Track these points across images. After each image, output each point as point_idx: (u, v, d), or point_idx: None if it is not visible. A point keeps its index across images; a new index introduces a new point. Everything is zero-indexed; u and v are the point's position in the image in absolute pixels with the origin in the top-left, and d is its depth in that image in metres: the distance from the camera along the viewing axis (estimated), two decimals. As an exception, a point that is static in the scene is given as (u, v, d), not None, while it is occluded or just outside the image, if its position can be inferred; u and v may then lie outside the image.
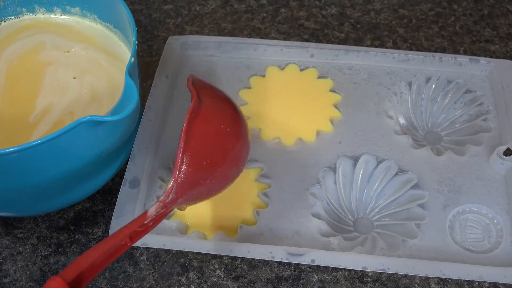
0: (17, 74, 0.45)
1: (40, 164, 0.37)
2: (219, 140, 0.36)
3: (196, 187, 0.35)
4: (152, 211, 0.34)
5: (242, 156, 0.38)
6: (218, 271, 0.42)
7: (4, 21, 0.48)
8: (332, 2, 0.60)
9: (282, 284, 0.41)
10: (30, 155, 0.35)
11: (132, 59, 0.38)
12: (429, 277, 0.41)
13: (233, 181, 0.38)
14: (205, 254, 0.42)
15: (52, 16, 0.48)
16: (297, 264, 0.42)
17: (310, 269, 0.42)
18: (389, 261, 0.39)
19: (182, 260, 0.42)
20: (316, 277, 0.41)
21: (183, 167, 0.34)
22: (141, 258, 0.42)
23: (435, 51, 0.55)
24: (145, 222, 0.33)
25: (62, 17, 0.48)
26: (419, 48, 0.56)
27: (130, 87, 0.35)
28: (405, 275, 0.41)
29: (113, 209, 0.41)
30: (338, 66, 0.51)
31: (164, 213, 0.34)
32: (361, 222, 0.43)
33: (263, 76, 0.51)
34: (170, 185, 0.34)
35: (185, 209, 0.37)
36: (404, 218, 0.42)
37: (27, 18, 0.48)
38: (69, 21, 0.48)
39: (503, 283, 0.41)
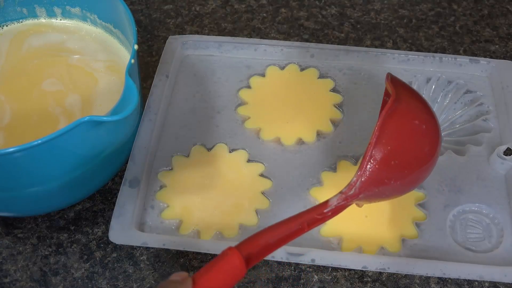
0: (18, 76, 0.45)
1: (40, 164, 0.37)
2: (412, 142, 0.35)
3: (380, 186, 0.35)
4: (333, 201, 0.34)
5: (432, 162, 0.37)
6: (218, 271, 0.42)
7: (6, 26, 0.48)
8: (332, 2, 0.60)
9: (282, 284, 0.41)
10: (30, 155, 0.35)
11: (132, 60, 0.38)
12: (429, 277, 0.41)
13: (418, 185, 0.38)
14: (205, 254, 0.42)
15: (53, 20, 0.48)
16: (297, 264, 0.42)
17: (310, 269, 0.41)
18: (389, 260, 0.39)
19: (182, 260, 0.42)
20: (316, 277, 0.41)
21: (370, 163, 0.34)
22: (141, 258, 0.42)
23: (435, 51, 0.55)
24: (325, 211, 0.34)
25: (63, 21, 0.48)
26: (419, 48, 0.56)
27: (130, 87, 0.35)
28: (405, 275, 0.41)
29: (113, 209, 0.41)
30: (339, 66, 0.51)
31: (344, 206, 0.34)
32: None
33: (263, 76, 0.51)
34: (354, 179, 0.34)
35: (362, 205, 0.37)
36: None
37: (29, 22, 0.48)
38: (70, 24, 0.48)
39: (503, 283, 0.41)
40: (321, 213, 0.34)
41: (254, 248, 0.32)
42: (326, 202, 0.34)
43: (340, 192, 0.34)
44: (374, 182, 0.34)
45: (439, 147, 0.36)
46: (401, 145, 0.35)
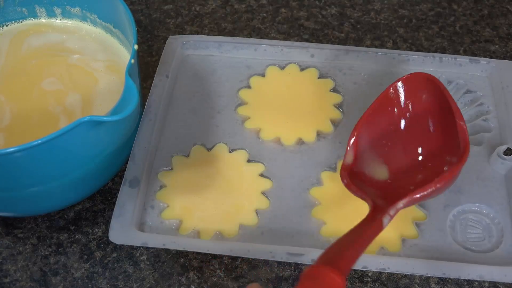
0: (18, 76, 0.45)
1: (40, 164, 0.37)
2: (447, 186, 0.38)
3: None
4: (385, 223, 0.36)
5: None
6: (218, 271, 0.42)
7: (6, 26, 0.48)
8: (332, 2, 0.60)
9: (282, 284, 0.41)
10: (30, 155, 0.35)
11: (132, 60, 0.38)
12: (429, 277, 0.41)
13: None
14: (205, 254, 0.42)
15: (53, 20, 0.48)
16: (297, 264, 0.42)
17: (310, 269, 0.41)
18: (389, 260, 0.39)
19: (182, 260, 0.42)
20: (316, 277, 0.41)
21: (422, 199, 0.37)
22: (141, 258, 0.42)
23: (435, 51, 0.55)
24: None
25: (63, 21, 0.48)
26: (419, 48, 0.56)
27: (130, 87, 0.35)
28: (405, 275, 0.41)
29: (113, 209, 0.41)
30: (339, 66, 0.51)
31: None
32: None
33: (263, 76, 0.51)
34: (401, 205, 0.36)
35: None
36: None
37: (29, 22, 0.48)
38: (70, 24, 0.48)
39: (503, 283, 0.41)
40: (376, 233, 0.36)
41: (346, 266, 0.32)
42: (381, 223, 0.35)
43: (389, 215, 0.36)
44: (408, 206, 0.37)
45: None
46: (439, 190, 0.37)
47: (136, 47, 0.39)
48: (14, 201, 0.41)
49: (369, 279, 0.41)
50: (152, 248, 0.42)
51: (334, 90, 0.49)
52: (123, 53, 0.46)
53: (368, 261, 0.39)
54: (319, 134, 0.47)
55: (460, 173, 0.38)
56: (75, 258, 0.42)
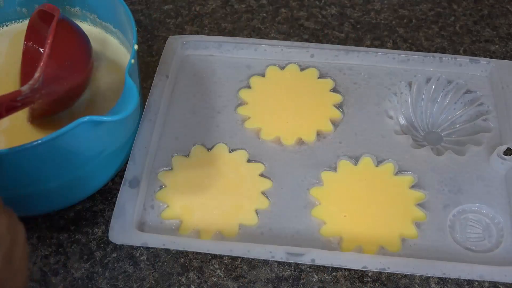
0: (17, 76, 0.45)
1: (40, 164, 0.37)
2: (76, 54, 0.41)
3: (58, 84, 0.39)
4: (25, 89, 0.37)
5: (88, 75, 0.42)
6: (218, 271, 0.42)
7: (6, 26, 0.48)
8: (332, 2, 0.60)
9: (282, 284, 0.41)
10: (31, 155, 0.35)
11: (132, 60, 0.38)
12: (429, 277, 0.41)
13: (82, 92, 0.43)
14: (205, 254, 0.42)
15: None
16: (297, 264, 0.42)
17: (310, 269, 0.41)
18: (389, 260, 0.39)
19: (182, 260, 0.42)
20: (316, 277, 0.41)
21: (50, 60, 0.38)
22: (141, 258, 0.42)
23: (435, 51, 0.55)
24: (17, 98, 0.37)
25: None
26: (419, 48, 0.56)
27: (130, 87, 0.35)
28: (405, 275, 0.41)
29: (113, 209, 0.41)
30: (339, 66, 0.51)
31: (30, 100, 0.38)
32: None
33: (263, 76, 0.51)
34: (38, 72, 0.37)
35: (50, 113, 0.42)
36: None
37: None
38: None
39: (503, 283, 0.41)
40: (15, 100, 0.36)
41: None
42: (20, 90, 0.37)
43: (29, 83, 0.37)
44: (53, 79, 0.38)
45: (89, 67, 0.42)
46: (69, 54, 0.40)
47: (136, 47, 0.39)
48: (14, 201, 0.40)
49: (369, 279, 0.41)
50: (152, 248, 0.42)
51: (334, 90, 0.49)
52: (123, 53, 0.46)
53: (368, 261, 0.39)
54: (319, 134, 0.47)
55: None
56: (75, 258, 0.42)
